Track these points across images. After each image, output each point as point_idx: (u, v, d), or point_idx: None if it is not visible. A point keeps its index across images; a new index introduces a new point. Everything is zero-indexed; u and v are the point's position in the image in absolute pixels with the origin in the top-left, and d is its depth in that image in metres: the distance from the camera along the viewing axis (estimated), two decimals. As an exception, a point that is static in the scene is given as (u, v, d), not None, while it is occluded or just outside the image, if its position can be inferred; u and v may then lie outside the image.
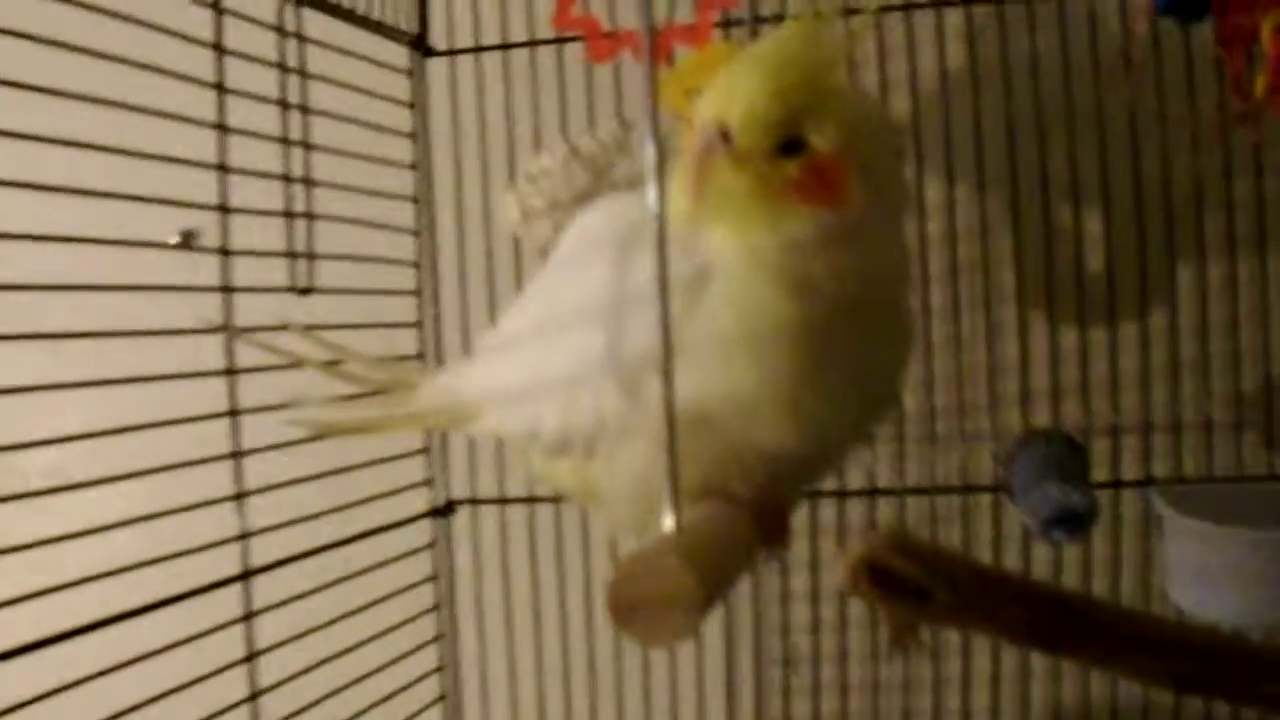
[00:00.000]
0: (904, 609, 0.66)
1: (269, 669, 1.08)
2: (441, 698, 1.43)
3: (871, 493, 1.43)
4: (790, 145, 0.80)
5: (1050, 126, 1.36)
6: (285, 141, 1.17)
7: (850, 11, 1.20)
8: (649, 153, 0.69)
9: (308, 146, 1.20)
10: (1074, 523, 1.18)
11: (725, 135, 0.80)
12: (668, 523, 0.70)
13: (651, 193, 0.69)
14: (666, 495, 0.69)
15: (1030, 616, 0.66)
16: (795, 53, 0.82)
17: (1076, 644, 0.67)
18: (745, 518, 0.82)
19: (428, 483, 1.43)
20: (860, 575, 0.65)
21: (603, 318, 0.87)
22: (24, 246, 0.87)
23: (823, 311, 0.80)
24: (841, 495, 1.43)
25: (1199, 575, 1.18)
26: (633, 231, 0.83)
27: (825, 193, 0.80)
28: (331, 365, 1.13)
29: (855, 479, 1.43)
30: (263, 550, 1.09)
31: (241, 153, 1.08)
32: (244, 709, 1.06)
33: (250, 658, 1.07)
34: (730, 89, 0.81)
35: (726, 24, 1.34)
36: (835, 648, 1.48)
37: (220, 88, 1.05)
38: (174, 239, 1.08)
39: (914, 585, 0.65)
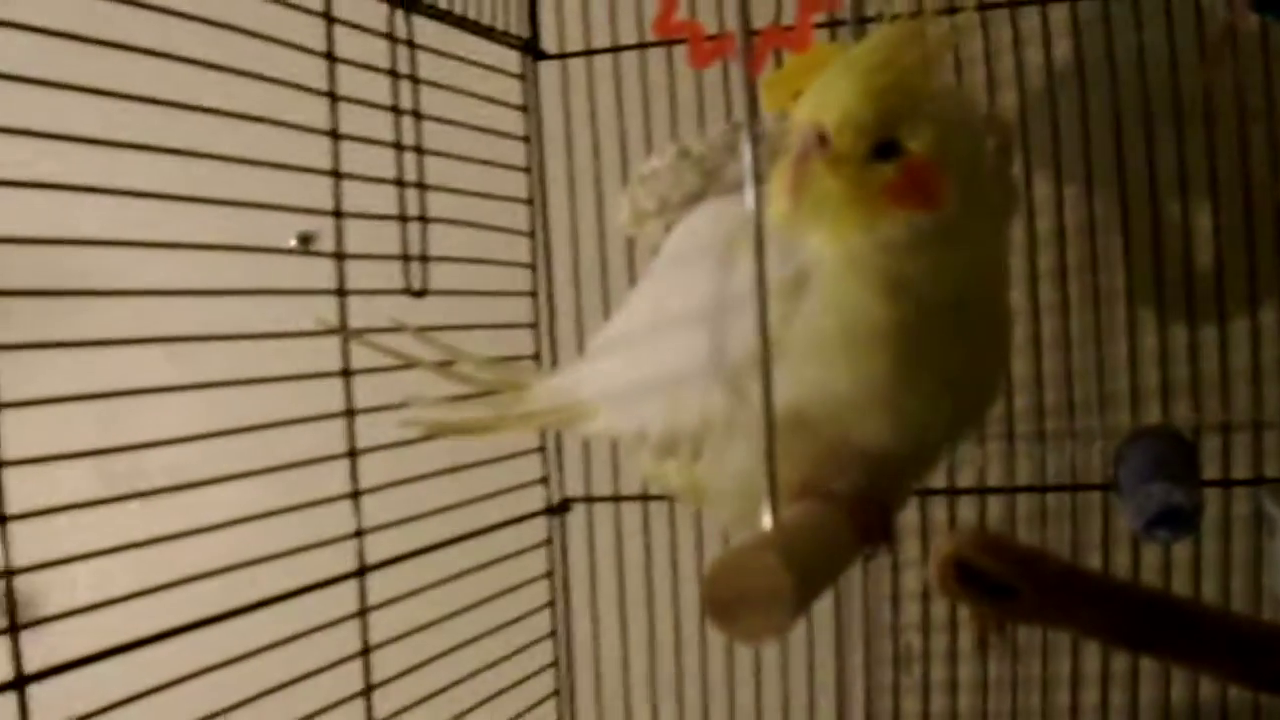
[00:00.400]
0: (990, 607, 0.66)
1: (384, 664, 1.11)
2: (555, 693, 1.44)
3: (982, 491, 1.42)
4: (886, 148, 0.81)
5: (1157, 122, 1.35)
6: (398, 146, 1.19)
7: (952, 10, 1.20)
8: (748, 155, 0.71)
9: (420, 151, 1.22)
10: (1178, 522, 1.17)
11: (822, 138, 0.81)
12: (767, 520, 0.71)
13: (750, 195, 0.70)
14: (766, 493, 0.71)
15: (1116, 615, 0.66)
16: (891, 55, 0.82)
17: (1164, 643, 0.67)
18: (844, 516, 0.83)
19: (543, 480, 1.45)
20: (947, 573, 0.65)
21: (707, 319, 0.88)
22: (149, 253, 0.90)
23: (919, 312, 0.81)
24: (952, 494, 1.43)
25: (1305, 578, 1.17)
26: (735, 234, 0.84)
27: (920, 195, 0.81)
28: (445, 366, 1.15)
29: (966, 477, 1.43)
30: (380, 548, 1.11)
31: (355, 158, 1.10)
32: (359, 702, 1.09)
33: (365, 652, 1.09)
34: (826, 92, 0.82)
35: (831, 25, 1.34)
36: (945, 646, 1.48)
37: (333, 95, 1.08)
38: (292, 242, 1.11)
39: (999, 583, 0.65)
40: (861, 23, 1.20)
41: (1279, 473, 1.35)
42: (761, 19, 1.33)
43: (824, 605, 1.47)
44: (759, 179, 0.72)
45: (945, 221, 0.81)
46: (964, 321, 0.83)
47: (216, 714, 0.94)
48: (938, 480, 1.41)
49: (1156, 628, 0.66)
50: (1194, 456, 1.30)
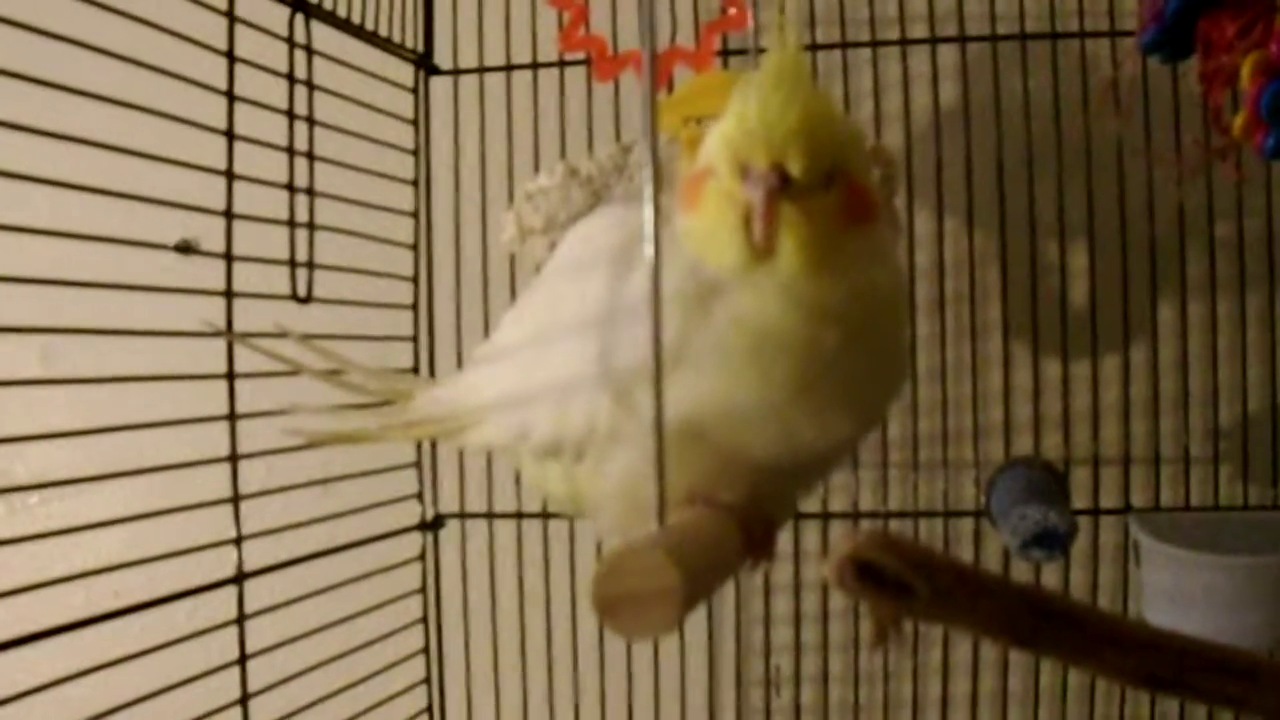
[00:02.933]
0: (887, 604, 0.67)
1: (259, 673, 1.09)
2: (427, 709, 1.44)
3: (855, 515, 1.45)
4: (830, 174, 0.81)
5: (1039, 162, 1.39)
6: (291, 151, 1.19)
7: (845, 45, 1.22)
8: (649, 169, 0.71)
9: (312, 158, 1.21)
10: (1052, 542, 1.20)
11: (784, 178, 0.80)
12: (652, 525, 0.72)
13: (649, 211, 0.71)
14: (653, 500, 0.71)
15: (1007, 613, 0.68)
16: (811, 82, 0.82)
17: (1050, 640, 0.68)
18: (731, 523, 0.84)
19: (418, 496, 1.44)
20: (847, 571, 0.66)
21: (599, 326, 0.88)
22: (27, 240, 0.87)
23: (833, 331, 0.80)
24: (825, 518, 1.45)
25: (1173, 600, 1.20)
26: (635, 241, 0.83)
27: (865, 213, 0.82)
28: (330, 374, 1.14)
29: (838, 502, 1.45)
30: (254, 555, 1.10)
31: (247, 160, 1.09)
32: (234, 711, 1.07)
33: (242, 660, 1.08)
34: (771, 131, 0.79)
35: (726, 53, 1.36)
36: (817, 669, 1.50)
37: (231, 95, 1.07)
38: (172, 245, 1.09)
39: (897, 581, 0.67)
40: (760, 52, 1.21)
41: (1145, 504, 1.39)
42: (659, 39, 1.34)
43: (697, 625, 1.49)
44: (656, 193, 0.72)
45: (880, 237, 0.83)
46: (868, 341, 0.83)
47: (89, 721, 0.92)
48: (811, 505, 1.43)
49: (1046, 624, 0.68)
50: (1065, 485, 1.34)
